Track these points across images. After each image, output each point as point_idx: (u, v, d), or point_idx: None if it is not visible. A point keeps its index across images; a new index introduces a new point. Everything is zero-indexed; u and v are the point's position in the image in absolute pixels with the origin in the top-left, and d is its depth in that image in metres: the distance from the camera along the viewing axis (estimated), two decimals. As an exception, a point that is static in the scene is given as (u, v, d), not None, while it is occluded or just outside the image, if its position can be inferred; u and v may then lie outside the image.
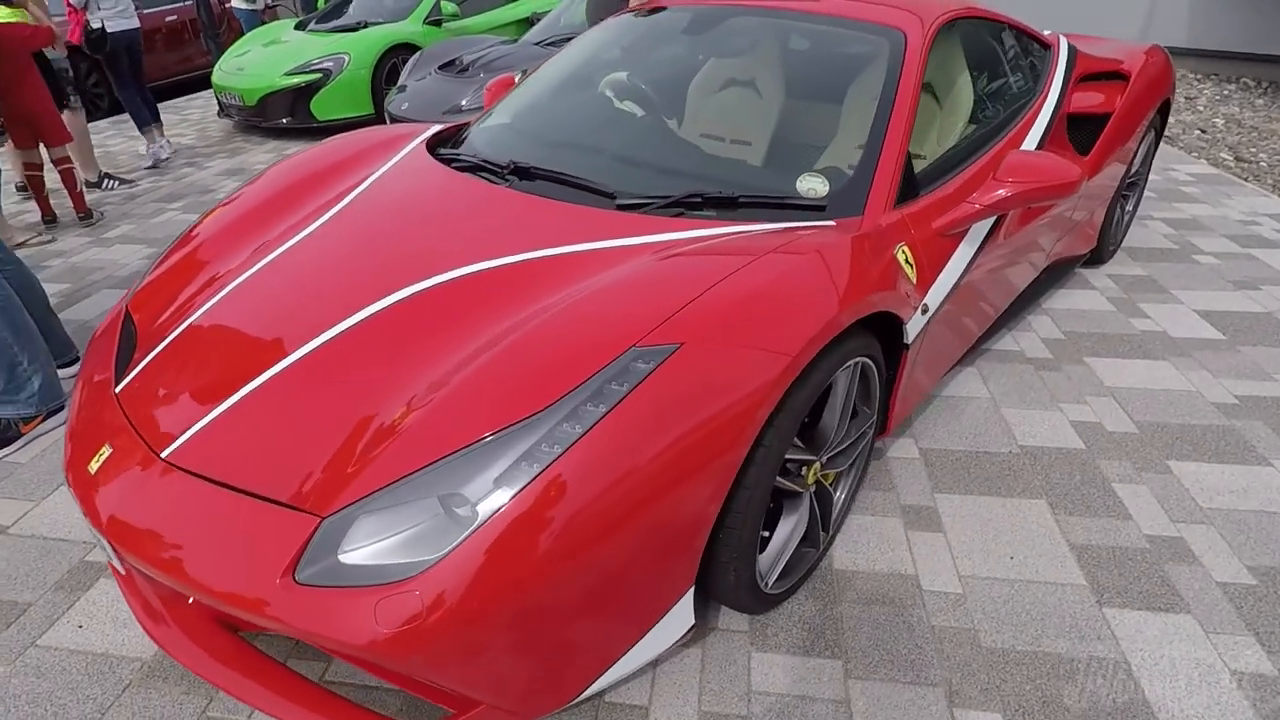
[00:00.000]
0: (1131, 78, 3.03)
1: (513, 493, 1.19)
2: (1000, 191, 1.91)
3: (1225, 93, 7.04)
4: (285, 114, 6.02)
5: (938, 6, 2.34)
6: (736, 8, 2.52)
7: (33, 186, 4.30)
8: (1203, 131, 5.79)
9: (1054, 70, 2.84)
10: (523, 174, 2.02)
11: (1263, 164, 5.12)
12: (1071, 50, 3.03)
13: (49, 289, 3.54)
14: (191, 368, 1.59)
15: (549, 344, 1.38)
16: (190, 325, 1.70)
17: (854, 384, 1.72)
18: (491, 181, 2.04)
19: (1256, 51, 7.37)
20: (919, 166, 2.07)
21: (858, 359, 1.66)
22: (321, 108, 6.00)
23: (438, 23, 6.71)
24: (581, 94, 2.56)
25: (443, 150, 2.31)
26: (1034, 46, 2.89)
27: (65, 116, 4.63)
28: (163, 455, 1.41)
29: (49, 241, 4.17)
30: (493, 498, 1.19)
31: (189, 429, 1.44)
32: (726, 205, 1.82)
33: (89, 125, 5.11)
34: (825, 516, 1.82)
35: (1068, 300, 3.20)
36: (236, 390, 1.48)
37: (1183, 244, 3.72)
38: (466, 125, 2.57)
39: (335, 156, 2.33)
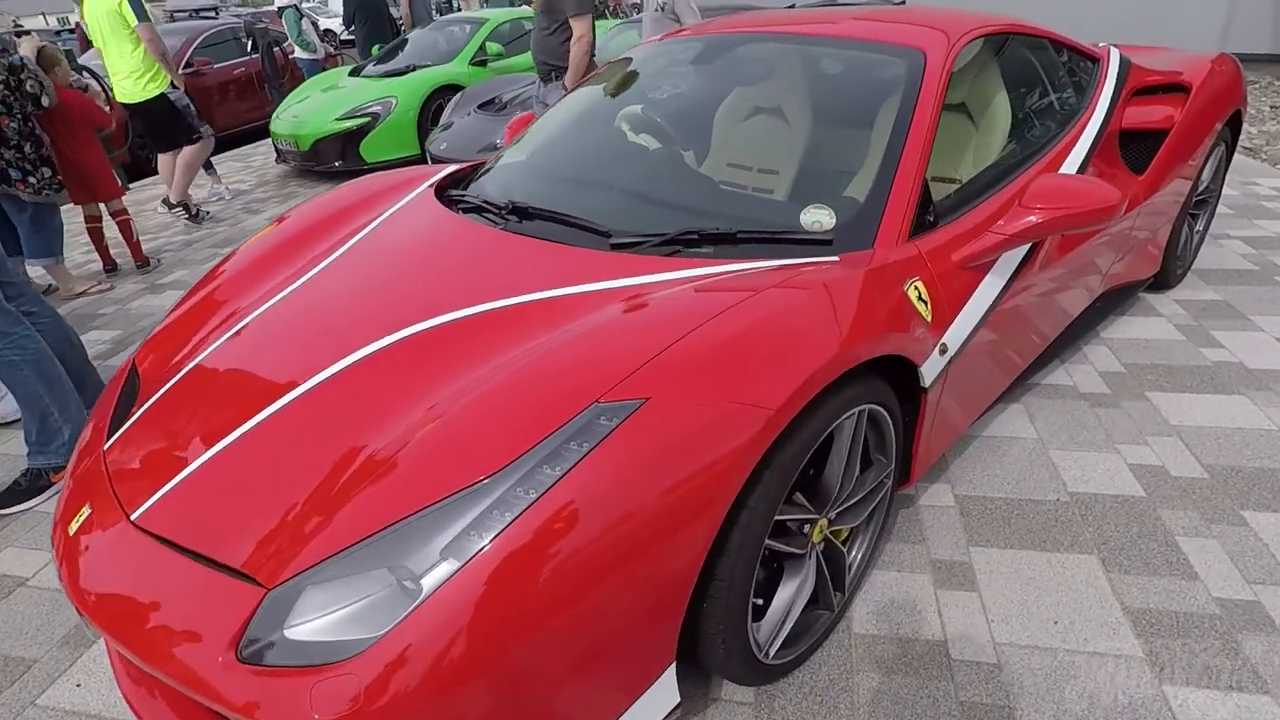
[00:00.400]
0: (1193, 89, 2.79)
1: (459, 564, 1.10)
2: (1029, 218, 1.74)
3: (1315, 98, 6.56)
4: (336, 157, 6.22)
5: (967, 23, 2.19)
6: (752, 34, 2.44)
7: (92, 237, 4.56)
8: (1288, 141, 5.38)
9: (1101, 85, 2.64)
10: (521, 214, 1.97)
11: (1358, 174, 4.70)
12: (1124, 63, 2.82)
13: (102, 335, 3.71)
14: (172, 425, 1.57)
15: (509, 400, 1.29)
16: (178, 380, 1.68)
17: (860, 433, 1.57)
18: (491, 223, 1.99)
19: (1350, 54, 6.87)
20: (943, 193, 1.92)
21: (862, 406, 1.52)
22: (370, 150, 6.18)
23: (483, 63, 6.86)
24: (594, 129, 2.51)
25: (451, 191, 2.28)
26: (1080, 61, 2.70)
27: (193, 147, 5.21)
28: (132, 517, 1.38)
29: (109, 289, 4.37)
30: (438, 570, 1.10)
31: (160, 489, 1.41)
32: (725, 242, 1.72)
33: (145, 180, 5.43)
34: (838, 577, 1.67)
35: (1129, 328, 2.94)
36: (210, 447, 1.45)
37: (1264, 264, 3.40)
38: (481, 164, 2.55)
39: (346, 201, 2.33)
